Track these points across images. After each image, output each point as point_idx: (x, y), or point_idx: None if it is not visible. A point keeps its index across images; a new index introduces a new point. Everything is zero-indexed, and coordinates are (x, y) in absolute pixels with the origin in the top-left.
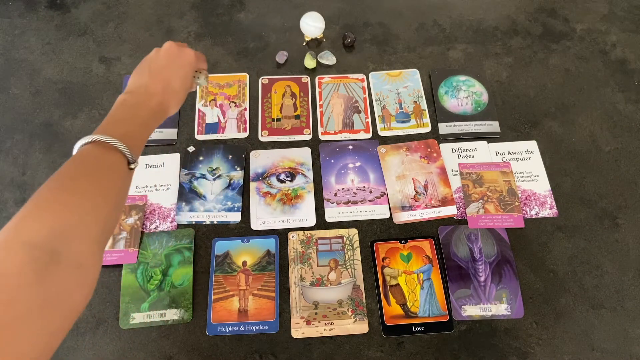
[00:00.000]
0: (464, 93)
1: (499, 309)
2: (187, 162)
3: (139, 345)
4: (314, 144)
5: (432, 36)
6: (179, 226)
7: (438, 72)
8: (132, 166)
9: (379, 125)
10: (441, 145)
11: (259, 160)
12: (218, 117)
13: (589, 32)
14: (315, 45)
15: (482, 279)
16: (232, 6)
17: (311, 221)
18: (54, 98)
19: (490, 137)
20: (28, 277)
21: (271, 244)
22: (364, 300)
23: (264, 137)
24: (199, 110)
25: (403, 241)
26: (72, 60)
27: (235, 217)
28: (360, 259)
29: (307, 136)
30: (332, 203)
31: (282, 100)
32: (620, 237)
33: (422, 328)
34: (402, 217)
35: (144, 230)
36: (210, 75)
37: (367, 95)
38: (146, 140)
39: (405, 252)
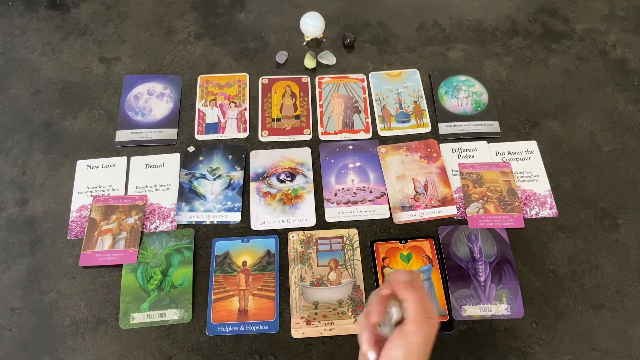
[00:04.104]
0: (464, 93)
1: (499, 309)
2: (187, 162)
3: (139, 345)
4: (314, 144)
5: (432, 36)
6: (179, 226)
7: (438, 72)
8: None
9: (379, 125)
10: (441, 145)
11: (259, 160)
12: (218, 117)
13: (589, 32)
14: (315, 45)
15: (482, 279)
16: (232, 6)
17: (311, 221)
18: (54, 98)
19: (490, 137)
20: None
21: (271, 244)
22: (364, 300)
23: (264, 137)
24: (199, 110)
25: (403, 241)
26: (72, 60)
27: (235, 217)
28: (360, 259)
29: (307, 136)
30: (332, 203)
31: (282, 100)
32: (620, 237)
33: None
34: (402, 217)
35: (144, 230)
36: (210, 75)
37: (367, 95)
38: None
39: (405, 252)
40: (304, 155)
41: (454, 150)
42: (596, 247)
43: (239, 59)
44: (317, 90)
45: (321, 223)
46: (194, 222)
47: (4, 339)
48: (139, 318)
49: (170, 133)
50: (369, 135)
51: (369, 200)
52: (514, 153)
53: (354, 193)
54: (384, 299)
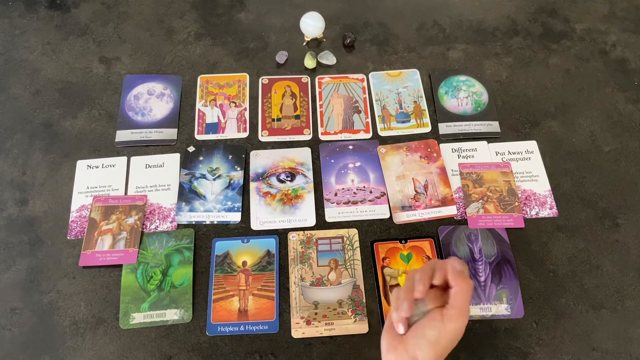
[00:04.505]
0: (464, 93)
1: (499, 309)
2: (187, 162)
3: (139, 345)
4: (314, 144)
5: (432, 36)
6: (179, 226)
7: (438, 72)
8: None
9: (379, 125)
10: (441, 145)
11: (259, 160)
12: (218, 117)
13: (589, 32)
14: (315, 45)
15: (482, 279)
16: (232, 6)
17: (311, 221)
18: (54, 98)
19: (490, 137)
20: None
21: (271, 244)
22: (364, 300)
23: (264, 137)
24: (199, 110)
25: (403, 241)
26: (72, 60)
27: (235, 217)
28: (360, 259)
29: (307, 136)
30: (332, 203)
31: (282, 100)
32: (620, 237)
33: None
34: (402, 217)
35: (144, 230)
36: (210, 75)
37: (367, 95)
38: None
39: (405, 252)
40: (304, 155)
41: (454, 150)
42: (596, 247)
43: (239, 59)
44: (317, 90)
45: (321, 223)
46: (194, 222)
47: (4, 339)
48: (139, 318)
49: (170, 133)
50: (369, 135)
51: (369, 200)
52: (514, 153)
53: (354, 193)
54: (430, 282)
